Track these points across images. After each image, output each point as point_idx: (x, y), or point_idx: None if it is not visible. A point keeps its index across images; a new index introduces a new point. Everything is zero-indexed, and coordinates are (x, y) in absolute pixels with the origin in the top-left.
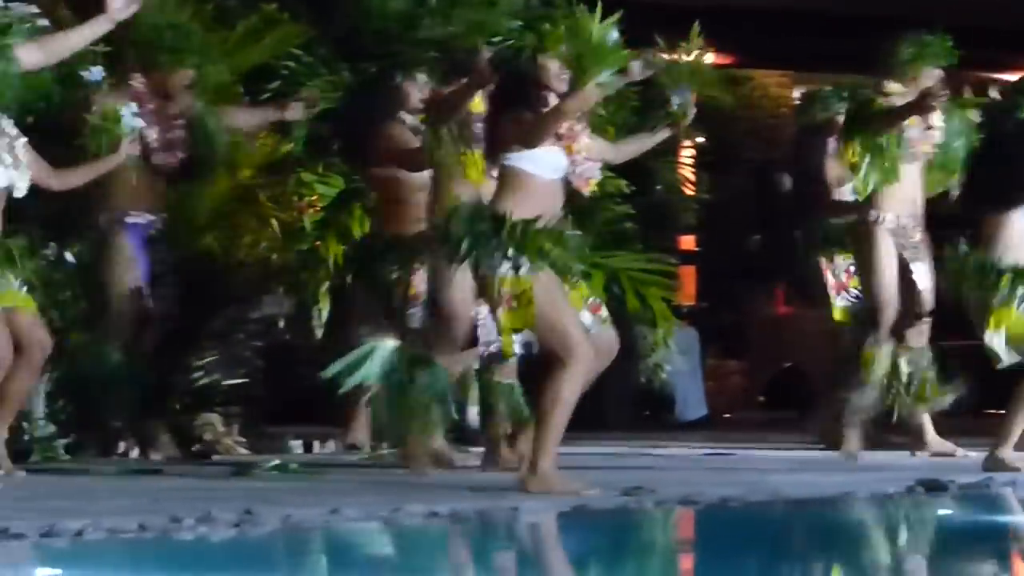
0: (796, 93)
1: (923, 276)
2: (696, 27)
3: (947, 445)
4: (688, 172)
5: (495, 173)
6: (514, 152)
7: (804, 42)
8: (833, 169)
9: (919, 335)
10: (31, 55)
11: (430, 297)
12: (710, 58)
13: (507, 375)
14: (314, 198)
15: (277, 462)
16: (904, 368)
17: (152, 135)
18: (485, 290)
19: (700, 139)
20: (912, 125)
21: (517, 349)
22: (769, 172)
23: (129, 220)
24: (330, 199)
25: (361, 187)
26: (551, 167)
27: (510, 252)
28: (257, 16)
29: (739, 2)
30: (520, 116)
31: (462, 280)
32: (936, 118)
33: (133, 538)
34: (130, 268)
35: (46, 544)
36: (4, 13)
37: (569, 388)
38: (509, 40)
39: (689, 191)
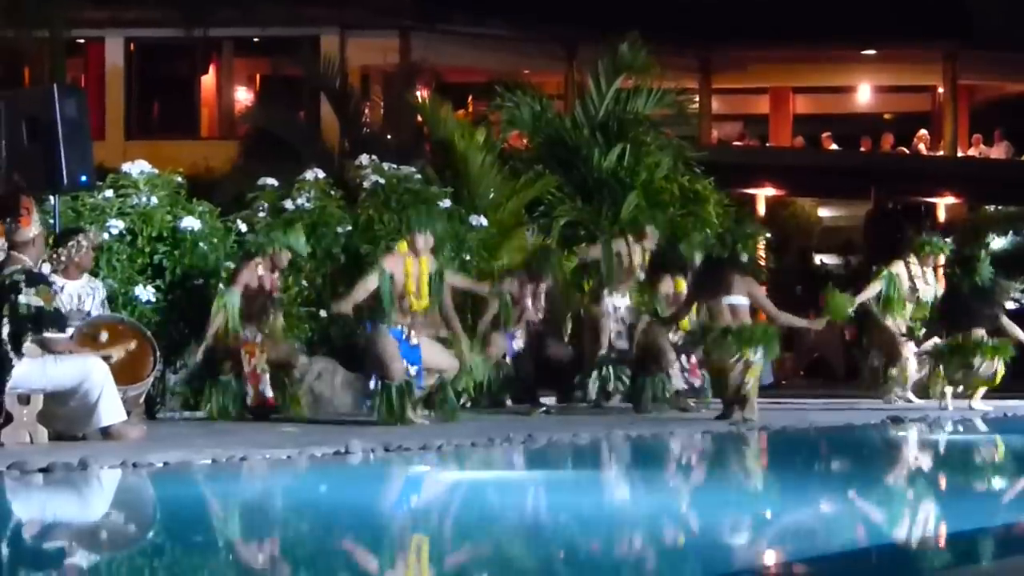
0: (818, 210)
1: None
2: None
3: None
4: (761, 251)
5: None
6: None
7: (822, 180)
8: None
9: None
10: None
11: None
12: (772, 191)
13: None
14: None
15: (544, 408)
16: None
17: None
18: (722, 364)
19: (768, 234)
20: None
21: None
22: (805, 252)
23: None
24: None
25: (585, 265)
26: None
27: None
28: (531, 172)
29: (786, 163)
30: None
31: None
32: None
33: (483, 448)
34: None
35: (449, 452)
36: None
37: None
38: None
39: (762, 262)
